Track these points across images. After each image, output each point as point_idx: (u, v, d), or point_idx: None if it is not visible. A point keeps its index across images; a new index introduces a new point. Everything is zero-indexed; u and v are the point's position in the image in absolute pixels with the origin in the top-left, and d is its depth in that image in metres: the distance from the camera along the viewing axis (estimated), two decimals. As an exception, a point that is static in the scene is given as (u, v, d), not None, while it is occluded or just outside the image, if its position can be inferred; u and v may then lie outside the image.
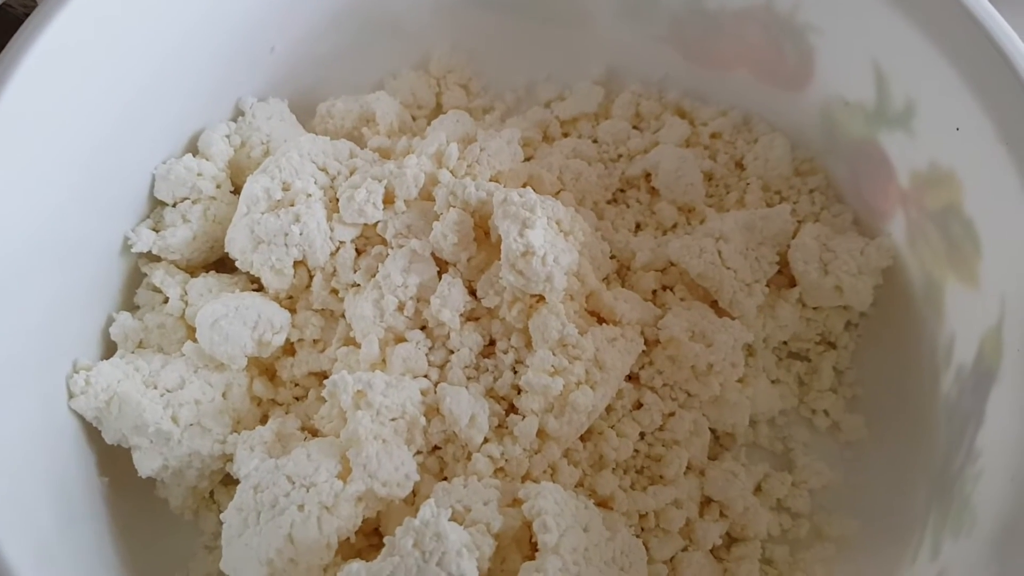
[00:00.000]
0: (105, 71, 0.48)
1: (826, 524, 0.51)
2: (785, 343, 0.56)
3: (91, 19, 0.47)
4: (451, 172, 0.53)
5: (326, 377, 0.52)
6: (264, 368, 0.53)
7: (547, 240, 0.48)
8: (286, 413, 0.52)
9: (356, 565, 0.40)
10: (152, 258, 0.54)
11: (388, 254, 0.51)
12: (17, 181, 0.45)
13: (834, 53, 0.53)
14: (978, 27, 0.44)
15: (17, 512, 0.41)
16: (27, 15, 0.46)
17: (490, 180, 0.53)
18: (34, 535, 0.42)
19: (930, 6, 0.47)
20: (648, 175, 0.59)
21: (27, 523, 0.42)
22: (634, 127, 0.61)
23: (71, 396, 0.48)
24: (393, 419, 0.46)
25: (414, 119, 0.62)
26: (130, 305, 0.54)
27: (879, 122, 0.52)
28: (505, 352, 0.50)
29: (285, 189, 0.52)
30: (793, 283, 0.55)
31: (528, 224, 0.48)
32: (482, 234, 0.52)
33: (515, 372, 0.49)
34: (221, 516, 0.45)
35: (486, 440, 0.48)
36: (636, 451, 0.50)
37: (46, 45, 0.45)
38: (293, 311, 0.53)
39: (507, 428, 0.48)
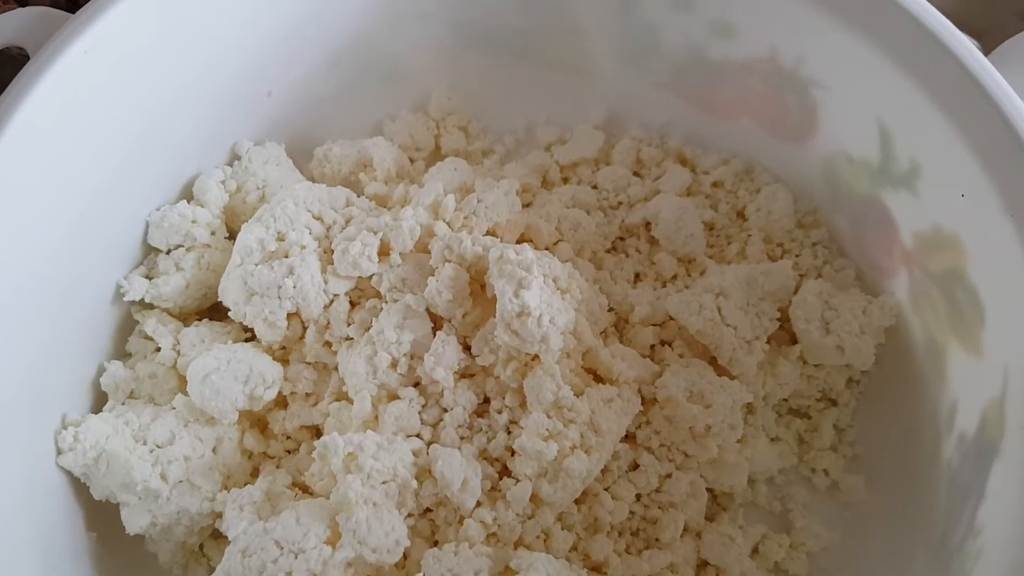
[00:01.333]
0: (102, 118, 0.48)
1: (823, 587, 0.51)
2: (785, 400, 0.55)
3: (89, 66, 0.46)
4: (448, 224, 0.52)
5: (318, 430, 0.52)
6: (255, 420, 0.52)
7: (543, 300, 0.47)
8: (277, 467, 0.51)
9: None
10: (145, 305, 0.54)
11: (382, 308, 0.51)
12: (10, 226, 0.44)
13: (838, 109, 0.52)
14: (986, 97, 0.43)
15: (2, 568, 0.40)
16: (23, 57, 0.46)
17: (487, 231, 0.53)
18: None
19: (937, 70, 0.46)
20: (648, 224, 0.58)
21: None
22: (635, 173, 0.60)
23: (59, 452, 0.47)
24: (384, 482, 0.46)
25: (412, 161, 0.62)
26: (121, 353, 0.53)
27: (883, 180, 0.52)
28: (499, 412, 0.49)
29: (280, 239, 0.51)
30: (794, 338, 0.54)
31: (524, 284, 0.47)
32: (478, 287, 0.51)
33: (509, 433, 0.49)
34: (208, 579, 0.44)
35: (479, 504, 0.47)
36: (632, 513, 0.49)
37: (42, 93, 0.45)
38: (286, 363, 0.52)
39: (500, 492, 0.47)
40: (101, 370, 0.51)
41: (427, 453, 0.48)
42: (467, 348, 0.50)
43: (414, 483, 0.46)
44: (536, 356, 0.48)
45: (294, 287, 0.50)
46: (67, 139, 0.46)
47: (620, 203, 0.59)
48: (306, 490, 0.50)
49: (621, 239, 0.59)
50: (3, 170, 0.43)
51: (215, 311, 0.56)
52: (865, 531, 0.52)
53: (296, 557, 0.43)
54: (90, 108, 0.47)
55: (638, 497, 0.50)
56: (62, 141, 0.46)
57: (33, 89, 0.44)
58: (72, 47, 0.45)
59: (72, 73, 0.45)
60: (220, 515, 0.49)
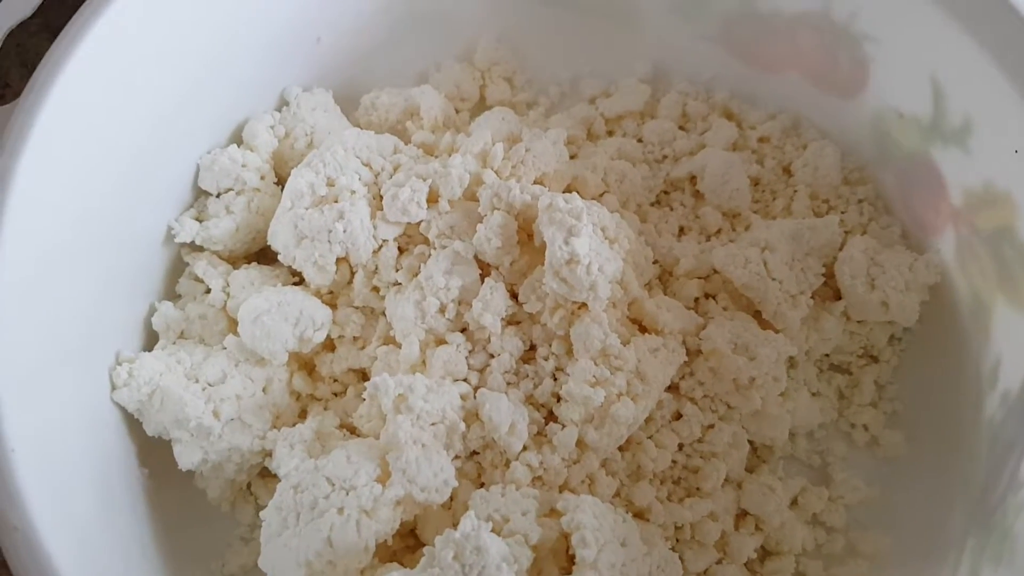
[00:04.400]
0: (157, 60, 0.48)
1: (861, 540, 0.51)
2: (827, 355, 0.55)
3: (143, 7, 0.46)
4: (496, 172, 0.52)
5: (365, 374, 0.53)
6: (304, 363, 0.53)
7: (592, 248, 0.48)
8: (324, 409, 0.52)
9: (396, 574, 0.40)
10: (194, 248, 0.54)
11: (430, 254, 0.51)
12: (66, 167, 0.45)
13: (890, 64, 0.52)
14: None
15: (58, 502, 0.41)
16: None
17: (535, 181, 0.53)
18: (74, 525, 0.42)
19: (993, 24, 0.46)
20: (693, 178, 0.58)
21: (67, 513, 0.42)
22: (680, 128, 0.60)
23: (113, 388, 0.48)
24: (433, 424, 0.46)
25: (457, 112, 0.62)
26: (171, 294, 0.54)
27: (934, 137, 0.51)
28: (546, 359, 0.49)
29: (329, 185, 0.52)
30: (838, 295, 0.54)
31: (574, 232, 0.47)
32: (525, 237, 0.51)
33: (555, 379, 0.49)
34: (260, 515, 0.45)
35: (524, 448, 0.47)
36: (673, 462, 0.50)
37: (98, 33, 0.45)
38: (334, 307, 0.53)
39: (546, 436, 0.48)
40: (152, 310, 0.52)
41: (474, 397, 0.48)
42: (513, 296, 0.51)
43: (462, 426, 0.47)
44: (583, 304, 0.49)
45: (344, 231, 0.50)
46: (124, 78, 0.47)
47: (665, 157, 0.59)
48: (353, 431, 0.50)
49: (665, 193, 0.59)
50: (62, 112, 0.44)
51: (262, 256, 0.56)
52: (904, 485, 0.52)
53: (347, 494, 0.44)
54: (146, 51, 0.47)
55: (680, 447, 0.50)
56: (119, 80, 0.47)
57: (87, 33, 0.44)
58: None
59: (127, 14, 0.45)
60: (269, 453, 0.50)
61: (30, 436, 0.40)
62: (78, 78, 0.44)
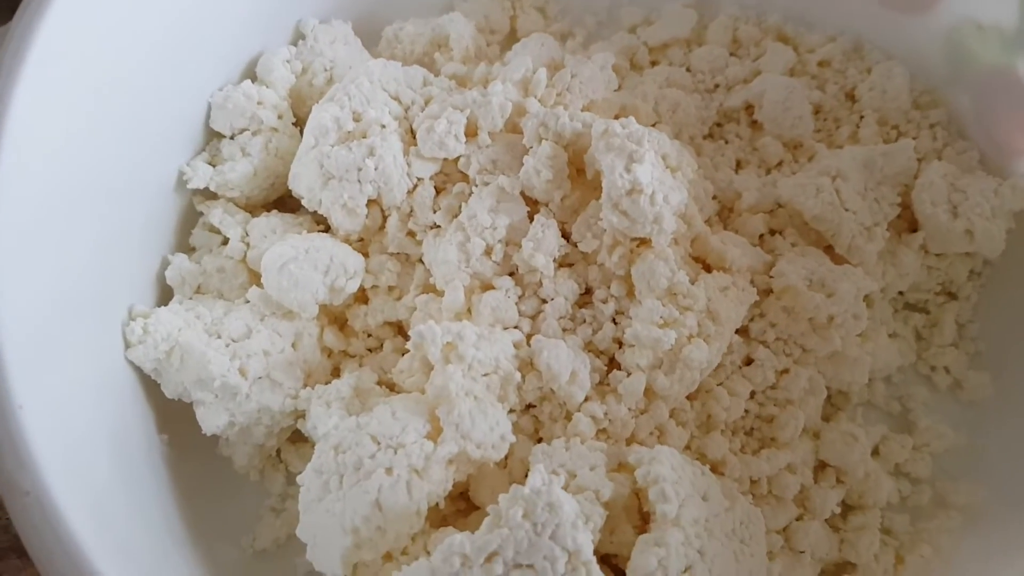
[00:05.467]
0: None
1: (950, 491, 0.47)
2: (901, 293, 0.51)
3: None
4: (539, 101, 0.48)
5: (402, 327, 0.48)
6: (334, 317, 0.48)
7: (655, 177, 0.43)
8: (359, 366, 0.47)
9: (459, 537, 0.35)
10: (208, 195, 0.49)
11: (472, 192, 0.46)
12: (65, 97, 0.40)
13: (971, -33, 0.47)
14: None
15: (74, 468, 0.36)
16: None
17: (582, 111, 0.48)
18: (92, 492, 0.38)
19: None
20: (750, 107, 0.53)
21: (85, 480, 0.38)
22: (731, 54, 0.56)
23: (127, 346, 0.43)
24: (485, 374, 0.42)
25: (487, 45, 0.57)
26: (185, 247, 0.49)
27: (1020, 48, 0.47)
28: (604, 301, 0.45)
29: (356, 119, 0.47)
30: (913, 227, 0.50)
31: (635, 158, 0.42)
32: (574, 171, 0.46)
33: (615, 323, 0.45)
34: (298, 479, 0.41)
35: (587, 399, 0.43)
36: (746, 411, 0.45)
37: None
38: (365, 255, 0.48)
39: (609, 385, 0.44)
40: (165, 263, 0.47)
41: (527, 345, 0.44)
42: (565, 236, 0.46)
43: (517, 376, 0.42)
44: (644, 241, 0.44)
45: (375, 169, 0.46)
46: (122, 12, 0.42)
47: (717, 86, 0.55)
48: (393, 388, 0.46)
49: (718, 124, 0.54)
50: (60, 46, 0.39)
51: (281, 204, 0.51)
52: (993, 430, 0.48)
53: (396, 452, 0.39)
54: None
55: (752, 394, 0.46)
56: (117, 14, 0.42)
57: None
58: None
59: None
60: (302, 415, 0.45)
61: (39, 394, 0.35)
62: (77, 9, 0.39)
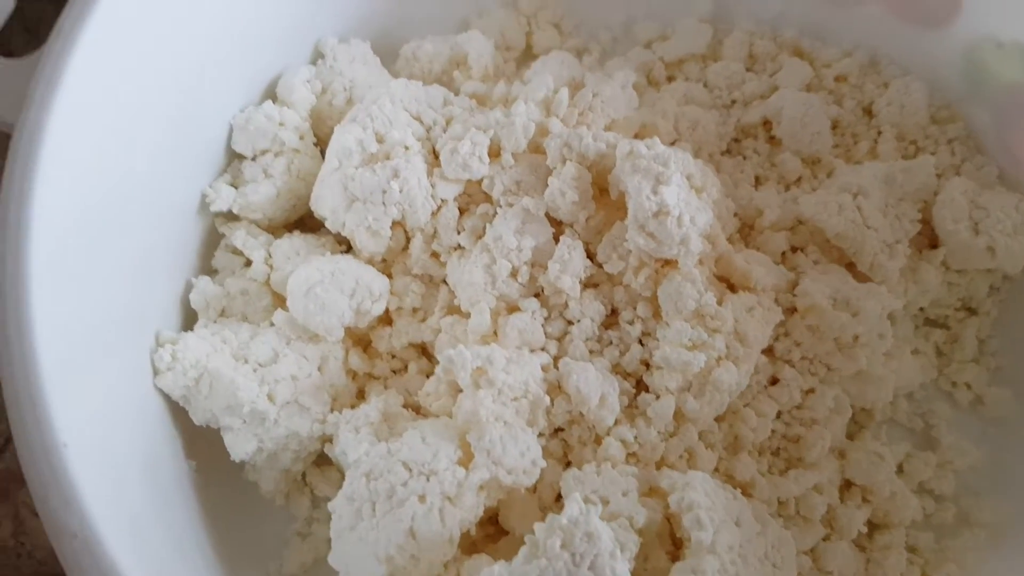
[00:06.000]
0: (188, 9, 0.43)
1: (975, 508, 0.47)
2: (922, 309, 0.51)
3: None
4: (562, 121, 0.48)
5: (426, 349, 0.48)
6: (358, 339, 0.48)
7: (681, 198, 0.43)
8: (384, 388, 0.47)
9: (497, 568, 0.35)
10: (230, 217, 0.49)
11: (496, 213, 0.46)
12: (96, 124, 0.40)
13: (992, -13, 0.47)
14: None
15: (116, 503, 0.36)
16: None
17: (604, 130, 0.48)
18: (132, 525, 0.37)
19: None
20: (767, 123, 0.53)
21: (126, 514, 0.37)
22: (748, 69, 0.56)
23: (156, 373, 0.43)
24: (515, 399, 0.42)
25: (504, 62, 0.57)
26: (207, 269, 0.49)
27: (1040, 65, 0.47)
28: (631, 323, 0.45)
29: (379, 141, 0.47)
30: (933, 243, 0.50)
31: (662, 180, 0.43)
32: (597, 191, 0.46)
33: (642, 345, 0.45)
34: (329, 506, 0.41)
35: (616, 422, 0.43)
36: (772, 431, 0.46)
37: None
38: (388, 275, 0.48)
39: (638, 408, 0.44)
40: (188, 287, 0.47)
41: (555, 368, 0.44)
42: (590, 257, 0.46)
43: (547, 400, 0.42)
44: (668, 262, 0.44)
45: (400, 191, 0.46)
46: (153, 28, 0.42)
47: (734, 101, 0.55)
48: (418, 410, 0.46)
49: (736, 140, 0.54)
50: (91, 58, 0.39)
51: (301, 224, 0.51)
52: (1017, 446, 0.48)
53: (428, 479, 0.39)
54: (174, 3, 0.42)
55: (778, 414, 0.46)
56: (149, 30, 0.42)
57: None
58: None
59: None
60: (329, 439, 0.45)
61: (79, 429, 0.35)
62: (106, 26, 0.39)
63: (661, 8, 0.58)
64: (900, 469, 0.48)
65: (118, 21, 0.40)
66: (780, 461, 0.46)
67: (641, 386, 0.45)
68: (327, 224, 0.48)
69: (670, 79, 0.56)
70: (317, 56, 0.53)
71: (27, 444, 0.33)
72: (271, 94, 0.51)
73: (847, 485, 0.47)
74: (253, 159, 0.49)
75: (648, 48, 0.57)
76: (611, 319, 0.46)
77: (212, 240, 0.49)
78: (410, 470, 0.40)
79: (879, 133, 0.53)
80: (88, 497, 0.33)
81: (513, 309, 0.45)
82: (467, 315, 0.46)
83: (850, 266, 0.48)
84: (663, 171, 0.43)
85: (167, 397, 0.44)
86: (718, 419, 0.45)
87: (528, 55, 0.58)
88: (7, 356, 0.34)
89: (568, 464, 0.44)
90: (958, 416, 0.50)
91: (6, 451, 0.52)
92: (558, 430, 0.44)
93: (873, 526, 0.46)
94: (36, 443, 0.33)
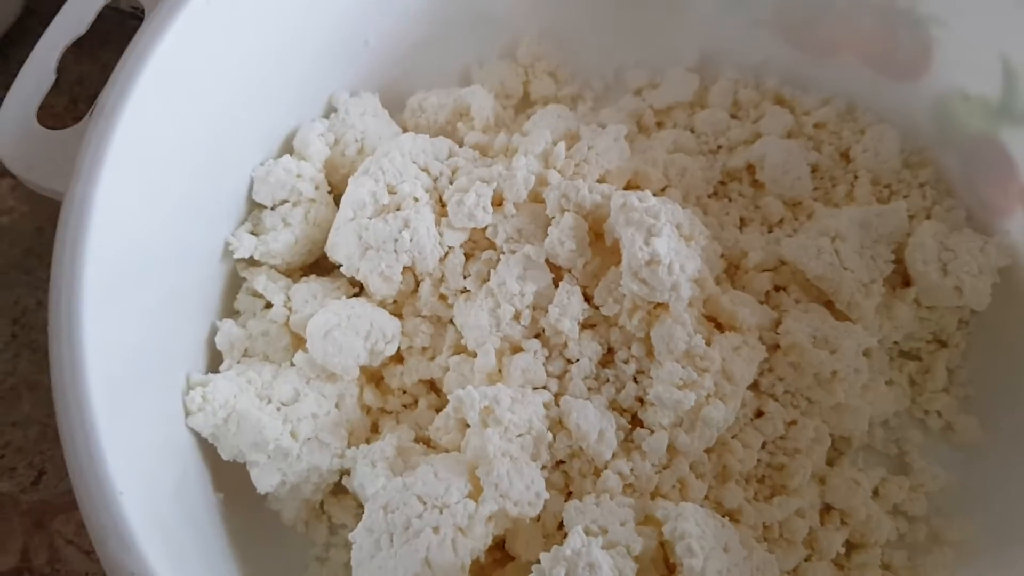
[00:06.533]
0: (215, 77, 0.47)
1: (944, 528, 0.50)
2: (896, 343, 0.54)
3: (210, 17, 0.45)
4: (559, 171, 0.51)
5: (434, 384, 0.51)
6: (372, 376, 0.52)
7: (671, 248, 0.47)
8: (397, 422, 0.51)
9: (508, 596, 0.39)
10: (251, 263, 0.53)
11: (499, 259, 0.50)
12: (136, 192, 0.44)
13: (958, 46, 0.51)
14: None
15: (165, 541, 0.40)
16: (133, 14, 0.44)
17: (598, 179, 0.52)
18: (175, 548, 0.41)
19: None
20: (751, 167, 0.57)
21: (174, 550, 0.41)
22: (732, 116, 0.59)
23: (188, 414, 0.46)
24: (520, 435, 0.45)
25: (503, 109, 0.60)
26: (230, 312, 0.52)
27: (1003, 118, 0.51)
28: (626, 362, 0.49)
29: (391, 192, 0.50)
30: (906, 281, 0.54)
31: (654, 232, 0.46)
32: (593, 237, 0.50)
33: (637, 382, 0.48)
34: (349, 536, 0.44)
35: (614, 456, 0.47)
36: (758, 460, 0.49)
37: (168, 46, 0.44)
38: (399, 316, 0.51)
39: (633, 442, 0.47)
40: (212, 330, 0.51)
41: (556, 405, 0.47)
42: (587, 299, 0.50)
43: (549, 436, 0.46)
44: (661, 304, 0.48)
45: (410, 240, 0.49)
46: (186, 100, 0.46)
47: (720, 147, 0.58)
48: (428, 444, 0.49)
49: (722, 183, 0.58)
50: (131, 131, 0.43)
51: (316, 267, 0.55)
52: (983, 471, 0.52)
53: (441, 512, 0.43)
54: (206, 64, 0.46)
55: (763, 444, 0.49)
56: (183, 100, 0.45)
57: (160, 42, 0.43)
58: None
59: (194, 24, 0.44)
60: (347, 472, 0.48)
61: (128, 474, 0.38)
62: (145, 100, 0.43)
63: (650, 57, 0.61)
64: (876, 493, 0.51)
65: (156, 94, 0.43)
66: (765, 488, 0.49)
67: (636, 421, 0.48)
68: (342, 269, 0.51)
69: (659, 125, 0.60)
70: (330, 109, 0.56)
71: (87, 495, 0.36)
72: (288, 147, 0.54)
73: (827, 509, 0.50)
74: (272, 208, 0.53)
75: (638, 95, 0.61)
76: (607, 358, 0.49)
77: (234, 284, 0.53)
78: (424, 503, 0.43)
79: (856, 177, 0.56)
80: (141, 537, 0.36)
81: (516, 349, 0.49)
82: (473, 354, 0.49)
83: (829, 304, 0.52)
84: (654, 223, 0.46)
85: (197, 435, 0.47)
86: (708, 451, 0.48)
87: (526, 102, 0.62)
88: (65, 412, 0.38)
89: (569, 494, 0.47)
90: (929, 442, 0.53)
91: (39, 483, 0.55)
92: (560, 463, 0.48)
93: (851, 546, 0.50)
94: (96, 495, 0.36)
